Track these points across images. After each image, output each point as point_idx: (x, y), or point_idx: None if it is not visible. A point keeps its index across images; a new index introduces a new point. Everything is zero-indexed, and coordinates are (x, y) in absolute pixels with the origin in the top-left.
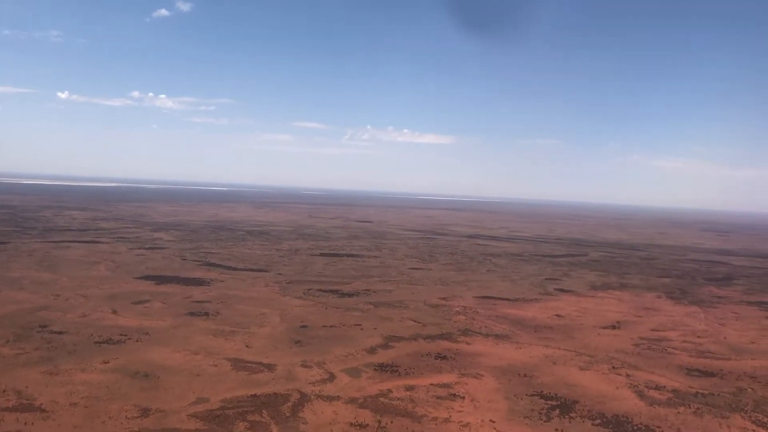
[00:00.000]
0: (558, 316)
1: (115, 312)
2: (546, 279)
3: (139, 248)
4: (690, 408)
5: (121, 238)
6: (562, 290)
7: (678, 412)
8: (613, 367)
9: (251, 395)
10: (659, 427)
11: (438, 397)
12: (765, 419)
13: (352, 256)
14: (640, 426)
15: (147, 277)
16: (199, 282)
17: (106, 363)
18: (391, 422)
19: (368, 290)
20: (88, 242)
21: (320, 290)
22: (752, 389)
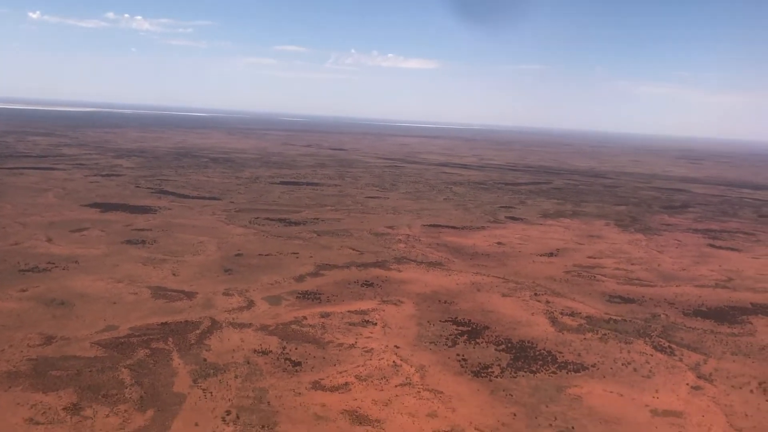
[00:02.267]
0: (499, 243)
1: (49, 240)
2: (500, 207)
3: (95, 175)
4: (597, 334)
5: (80, 164)
6: (512, 218)
7: (584, 338)
8: (535, 294)
9: (162, 323)
10: (561, 352)
11: (350, 324)
12: (666, 344)
13: (312, 184)
14: (542, 351)
15: (94, 205)
16: (145, 210)
17: (23, 291)
18: (295, 348)
19: (317, 219)
20: (43, 169)
21: (267, 219)
22: (666, 315)
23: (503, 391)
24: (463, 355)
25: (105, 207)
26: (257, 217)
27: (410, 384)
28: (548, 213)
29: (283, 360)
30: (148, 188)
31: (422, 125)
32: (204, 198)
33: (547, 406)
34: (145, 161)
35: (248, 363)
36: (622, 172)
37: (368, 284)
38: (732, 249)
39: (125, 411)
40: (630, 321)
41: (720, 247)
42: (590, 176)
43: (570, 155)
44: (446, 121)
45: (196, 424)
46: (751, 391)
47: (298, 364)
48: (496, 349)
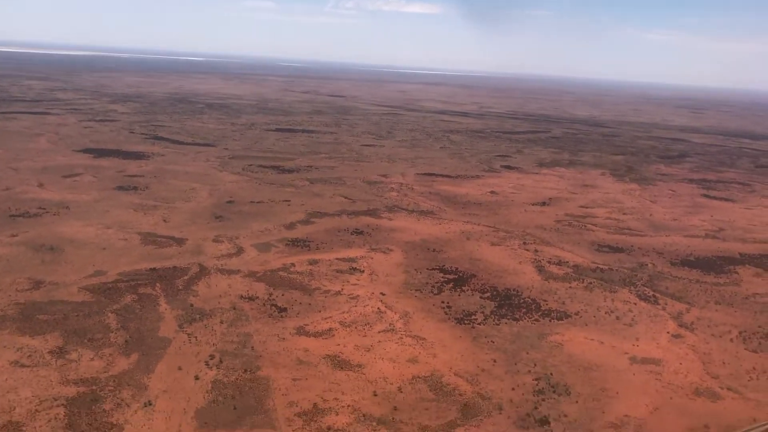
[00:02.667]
0: (492, 192)
1: (41, 185)
2: (496, 156)
3: (89, 120)
4: (583, 282)
5: (75, 109)
6: (508, 167)
7: (570, 287)
8: (524, 243)
9: (150, 269)
10: (545, 300)
11: (338, 271)
12: (651, 293)
13: (308, 131)
14: (526, 299)
15: (87, 150)
16: (138, 156)
17: (13, 236)
18: (282, 295)
19: (310, 166)
20: (37, 113)
21: (261, 166)
22: (653, 264)
23: (485, 337)
24: (447, 303)
25: (98, 153)
26: (250, 164)
27: (393, 330)
28: (544, 162)
29: (269, 306)
30: (142, 134)
31: (423, 71)
32: (198, 144)
33: (527, 353)
34: (140, 106)
35: (234, 309)
36: (623, 122)
37: (358, 232)
38: (726, 199)
39: (110, 354)
40: (617, 270)
41: (714, 198)
42: (590, 125)
43: (571, 104)
44: (448, 68)
45: (180, 368)
46: (731, 340)
47: (284, 310)
48: (481, 297)
